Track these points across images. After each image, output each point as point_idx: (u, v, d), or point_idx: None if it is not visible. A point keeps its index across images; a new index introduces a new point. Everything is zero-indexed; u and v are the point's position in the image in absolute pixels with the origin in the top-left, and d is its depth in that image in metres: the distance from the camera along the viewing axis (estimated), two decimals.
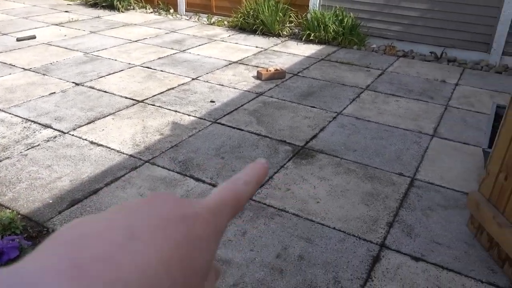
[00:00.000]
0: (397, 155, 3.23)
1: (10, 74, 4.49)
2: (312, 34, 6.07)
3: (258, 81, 4.60)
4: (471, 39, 5.61)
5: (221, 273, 0.43)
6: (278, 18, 6.30)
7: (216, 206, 0.29)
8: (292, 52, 5.71)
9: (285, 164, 3.04)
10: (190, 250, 0.25)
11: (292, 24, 6.56)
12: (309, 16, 6.27)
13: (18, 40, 5.64)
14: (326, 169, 3.00)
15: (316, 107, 4.02)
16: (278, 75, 4.68)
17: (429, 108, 4.12)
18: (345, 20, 5.96)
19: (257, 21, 6.40)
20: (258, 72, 4.70)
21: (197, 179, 2.81)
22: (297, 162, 3.08)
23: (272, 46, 5.97)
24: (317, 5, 6.36)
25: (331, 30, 5.95)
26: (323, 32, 6.00)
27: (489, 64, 5.48)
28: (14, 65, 4.74)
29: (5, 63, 4.79)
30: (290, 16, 6.51)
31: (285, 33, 6.46)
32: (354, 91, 4.45)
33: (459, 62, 5.61)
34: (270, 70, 4.67)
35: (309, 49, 5.87)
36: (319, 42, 6.11)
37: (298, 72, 4.95)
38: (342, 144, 3.36)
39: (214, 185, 2.75)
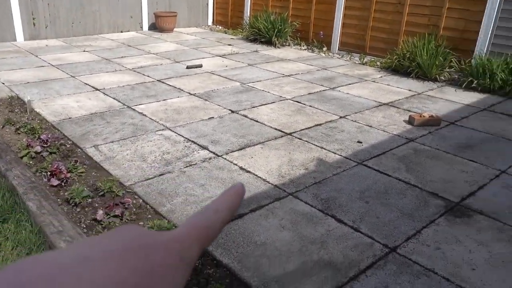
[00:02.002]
0: None
1: (178, 97, 5.06)
2: (475, 82, 5.60)
3: (409, 126, 4.38)
4: None
5: None
6: (437, 62, 5.97)
7: (183, 236, 0.29)
8: (449, 99, 5.33)
9: (435, 220, 2.79)
10: (149, 277, 0.24)
11: (452, 69, 6.15)
12: (473, 62, 5.81)
13: (188, 67, 6.35)
14: (485, 233, 2.66)
15: (475, 162, 3.64)
16: (433, 122, 4.39)
17: None
18: None
19: (413, 64, 6.16)
20: (410, 116, 4.48)
21: (339, 220, 2.75)
22: (450, 219, 2.80)
23: (426, 91, 5.66)
24: (484, 51, 5.87)
25: (498, 79, 5.41)
26: (488, 80, 5.49)
27: None
28: (182, 90, 5.33)
29: (175, 87, 5.42)
30: (451, 61, 6.12)
31: (442, 78, 6.08)
32: None
33: None
34: (424, 116, 4.41)
35: (469, 97, 5.42)
36: (482, 90, 5.59)
37: (456, 121, 4.58)
38: (507, 207, 2.96)
39: (356, 230, 2.65)
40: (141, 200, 2.90)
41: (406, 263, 2.38)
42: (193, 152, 3.65)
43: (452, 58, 6.11)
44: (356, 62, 7.25)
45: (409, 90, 5.66)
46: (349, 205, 2.92)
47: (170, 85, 5.49)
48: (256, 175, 3.29)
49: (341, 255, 2.42)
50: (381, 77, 6.31)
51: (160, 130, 4.08)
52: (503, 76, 5.40)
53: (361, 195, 3.05)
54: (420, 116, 4.42)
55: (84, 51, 7.25)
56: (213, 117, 4.46)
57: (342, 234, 2.61)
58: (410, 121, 4.47)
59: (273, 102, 5.00)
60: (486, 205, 2.98)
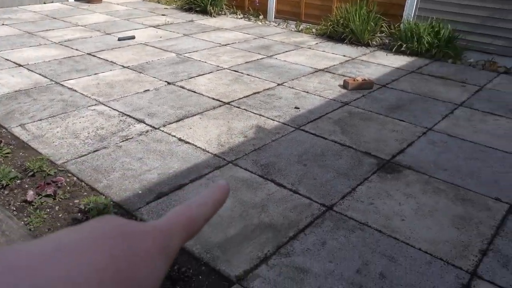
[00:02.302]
0: (494, 178, 2.98)
1: (111, 70, 4.84)
2: (404, 45, 5.83)
3: (344, 90, 4.51)
4: None
5: None
6: (368, 28, 6.14)
7: (166, 226, 0.29)
8: (381, 63, 5.53)
9: (369, 177, 2.93)
10: (130, 264, 0.24)
11: (383, 34, 6.36)
12: (402, 26, 6.04)
13: (119, 39, 6.07)
14: (413, 186, 2.84)
15: (404, 121, 3.84)
16: (366, 86, 4.55)
17: None
18: (442, 32, 5.65)
19: (347, 30, 6.29)
20: (344, 81, 4.61)
21: (278, 184, 2.81)
22: (382, 176, 2.96)
23: (360, 56, 5.83)
24: (412, 16, 6.11)
25: (425, 42, 5.67)
26: (416, 43, 5.74)
27: None
28: (115, 62, 5.11)
29: (107, 60, 5.18)
30: (382, 26, 6.31)
31: (374, 43, 6.28)
32: (447, 107, 4.19)
33: None
34: (357, 80, 4.56)
35: (399, 60, 5.65)
36: (411, 53, 5.85)
37: (387, 84, 4.78)
38: (432, 161, 3.17)
39: (295, 192, 2.73)
40: (75, 178, 2.79)
41: (342, 219, 2.49)
42: (129, 126, 3.54)
43: (382, 23, 6.31)
44: (292, 29, 7.28)
45: (344, 56, 5.80)
46: (288, 169, 2.99)
47: (102, 58, 5.24)
48: (196, 146, 3.27)
49: (281, 217, 2.49)
50: (317, 43, 6.40)
51: (92, 105, 3.90)
52: (429, 39, 5.66)
53: (299, 159, 3.13)
54: (354, 80, 4.55)
55: (2, 24, 6.70)
56: (148, 90, 4.33)
57: (281, 197, 2.67)
58: (344, 85, 4.60)
59: (211, 72, 4.93)
60: (414, 160, 3.17)
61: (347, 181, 2.88)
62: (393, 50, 5.96)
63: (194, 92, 4.32)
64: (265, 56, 5.65)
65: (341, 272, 2.09)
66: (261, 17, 7.89)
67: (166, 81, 4.58)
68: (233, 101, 4.14)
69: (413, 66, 5.45)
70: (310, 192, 2.74)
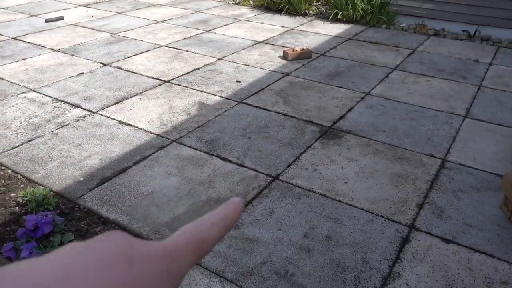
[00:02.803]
0: (427, 136, 3.15)
1: (40, 55, 4.57)
2: (340, 13, 5.93)
3: (284, 61, 4.54)
4: (506, 16, 5.36)
5: None
6: None
7: (174, 248, 0.27)
8: (318, 32, 5.61)
9: (312, 145, 3.01)
10: None
11: (319, 3, 6.42)
12: None
13: (47, 21, 5.72)
14: (354, 150, 2.95)
15: (343, 88, 3.95)
16: (305, 55, 4.61)
17: (462, 88, 3.99)
18: None
19: (283, 0, 6.29)
20: (284, 52, 4.63)
21: (224, 159, 2.82)
22: (324, 142, 3.04)
23: (298, 26, 5.87)
24: None
25: (359, 9, 5.79)
26: (351, 11, 5.85)
27: None
28: (44, 46, 4.82)
29: (34, 44, 4.87)
30: None
31: (311, 12, 6.34)
32: (383, 71, 4.35)
33: (493, 40, 5.38)
34: (296, 50, 4.60)
35: (336, 29, 5.75)
36: (347, 21, 5.97)
37: (325, 52, 4.86)
38: (371, 124, 3.29)
39: (241, 165, 2.75)
40: (9, 171, 2.64)
41: (288, 187, 2.55)
42: (65, 112, 3.38)
43: None
44: (230, 2, 7.18)
45: (282, 27, 5.82)
46: (233, 143, 3.00)
47: (29, 42, 4.92)
48: (137, 127, 3.19)
49: (228, 190, 2.51)
50: (255, 15, 6.36)
51: (22, 93, 3.68)
52: (363, 6, 5.79)
53: (243, 132, 3.15)
54: (293, 51, 4.59)
55: None
56: (83, 73, 4.13)
57: (228, 172, 2.69)
58: (284, 56, 4.63)
59: (148, 51, 4.78)
60: (354, 125, 3.29)
61: (291, 150, 2.94)
62: (330, 18, 6.04)
63: (132, 72, 4.18)
64: (203, 31, 5.55)
65: (289, 238, 2.16)
66: None
67: (101, 63, 4.39)
68: (173, 79, 4.06)
69: (349, 33, 5.57)
70: (255, 164, 2.77)
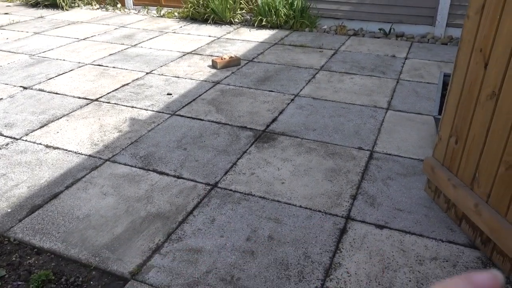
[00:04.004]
0: (355, 130, 3.32)
1: None
2: (264, 20, 6.08)
3: (214, 70, 4.58)
4: (417, 13, 5.79)
5: None
6: (228, 6, 6.26)
7: None
8: (245, 39, 5.71)
9: (247, 149, 3.06)
10: None
11: (244, 11, 6.54)
12: (259, 1, 6.27)
13: None
14: (288, 150, 3.04)
15: (273, 91, 4.05)
16: (233, 63, 4.67)
17: (382, 83, 4.25)
18: (295, 3, 6.01)
19: (208, 10, 6.34)
20: (213, 61, 4.67)
21: (161, 173, 2.79)
22: (259, 146, 3.11)
23: (225, 34, 5.93)
24: None
25: (282, 14, 5.98)
26: (274, 16, 6.02)
27: (434, 37, 5.68)
28: None
29: None
30: (241, 3, 6.48)
31: (237, 20, 6.44)
32: (309, 72, 4.52)
33: (407, 36, 5.78)
34: (224, 58, 4.65)
35: (262, 35, 5.88)
36: (272, 27, 6.13)
37: (253, 58, 4.96)
38: (302, 124, 3.41)
39: (178, 177, 2.74)
40: None
41: (227, 194, 2.58)
42: None
43: (241, 0, 6.47)
44: (154, 15, 7.11)
45: (209, 36, 5.85)
46: (169, 156, 2.98)
47: None
48: (67, 150, 3.06)
49: (168, 204, 2.49)
50: (181, 27, 6.34)
51: None
52: (285, 11, 5.98)
53: (178, 144, 3.13)
54: (222, 59, 4.64)
55: None
56: (1, 98, 3.90)
57: (165, 185, 2.66)
58: (213, 65, 4.66)
59: (72, 70, 4.61)
60: (286, 126, 3.39)
61: (227, 157, 2.97)
62: (255, 25, 6.18)
63: (56, 93, 4.01)
64: (129, 46, 5.45)
65: (232, 244, 2.18)
66: (119, 5, 7.53)
67: (21, 86, 4.17)
68: (101, 97, 3.94)
69: (275, 38, 5.73)
70: (193, 174, 2.77)
